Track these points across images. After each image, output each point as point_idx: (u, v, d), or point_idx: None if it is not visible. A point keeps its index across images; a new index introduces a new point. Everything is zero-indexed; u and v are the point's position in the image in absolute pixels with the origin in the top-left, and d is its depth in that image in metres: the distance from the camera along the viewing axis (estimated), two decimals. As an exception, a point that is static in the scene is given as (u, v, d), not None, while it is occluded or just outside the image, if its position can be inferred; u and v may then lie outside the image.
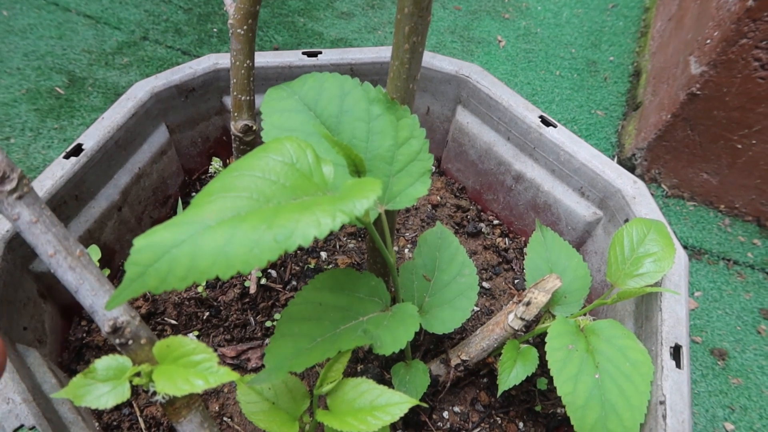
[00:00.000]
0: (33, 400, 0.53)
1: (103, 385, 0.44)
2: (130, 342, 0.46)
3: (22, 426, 0.51)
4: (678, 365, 0.61)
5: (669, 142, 1.31)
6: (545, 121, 0.82)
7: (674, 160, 1.34)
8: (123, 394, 0.44)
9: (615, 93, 1.60)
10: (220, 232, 0.40)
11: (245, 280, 0.80)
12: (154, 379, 0.44)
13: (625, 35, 1.77)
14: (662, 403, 0.59)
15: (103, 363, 0.45)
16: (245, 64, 0.63)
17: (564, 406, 0.75)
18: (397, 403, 0.53)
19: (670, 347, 0.62)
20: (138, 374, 0.45)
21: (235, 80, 0.64)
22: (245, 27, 0.61)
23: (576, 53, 1.69)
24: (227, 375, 0.43)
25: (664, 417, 0.58)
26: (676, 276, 0.68)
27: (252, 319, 0.78)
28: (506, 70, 1.61)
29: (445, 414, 0.73)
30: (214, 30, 1.59)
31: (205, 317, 0.77)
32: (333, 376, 0.55)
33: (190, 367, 0.44)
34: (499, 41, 1.69)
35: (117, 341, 0.46)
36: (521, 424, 0.74)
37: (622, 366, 0.60)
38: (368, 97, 0.60)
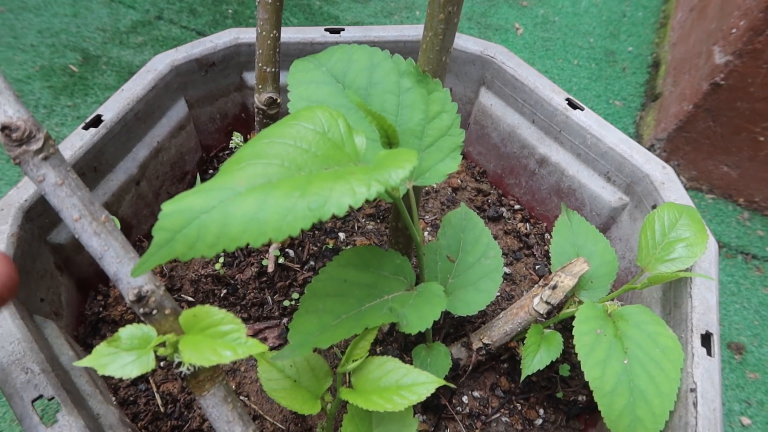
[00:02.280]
0: (52, 370, 0.52)
1: (127, 355, 0.43)
2: (155, 312, 0.45)
3: (41, 396, 0.50)
4: (709, 353, 0.60)
5: (689, 133, 1.29)
6: (572, 104, 0.80)
7: (694, 151, 1.32)
8: (148, 363, 0.42)
9: (633, 83, 1.57)
10: (252, 198, 0.39)
11: (263, 259, 0.79)
12: (180, 348, 0.42)
13: (644, 26, 1.75)
14: (693, 390, 0.57)
15: (128, 332, 0.43)
16: (272, 35, 0.61)
17: (586, 394, 0.74)
18: (424, 382, 0.52)
19: (701, 334, 0.61)
20: (163, 344, 0.44)
21: (260, 51, 0.62)
22: (273, -4, 0.59)
23: (594, 43, 1.67)
24: (256, 346, 0.41)
25: (695, 404, 0.56)
26: (707, 263, 0.66)
27: (269, 298, 0.77)
28: (523, 58, 1.58)
29: (465, 398, 0.72)
30: (229, 11, 1.57)
31: (222, 295, 0.76)
32: (358, 353, 0.54)
33: (217, 337, 0.42)
34: (517, 29, 1.67)
35: (141, 311, 0.45)
36: (542, 411, 0.73)
37: (652, 352, 0.59)
38: (398, 69, 0.58)
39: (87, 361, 0.42)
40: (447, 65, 0.57)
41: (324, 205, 0.39)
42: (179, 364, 0.44)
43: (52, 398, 0.50)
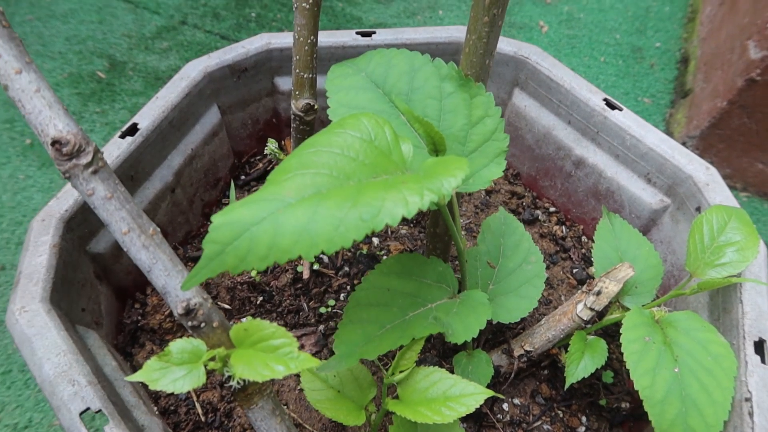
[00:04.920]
0: (98, 382, 0.52)
1: (178, 369, 0.42)
2: (203, 325, 0.44)
3: (88, 409, 0.50)
4: (763, 360, 0.58)
5: (723, 130, 1.26)
6: (610, 104, 0.78)
7: (728, 149, 1.29)
8: (198, 378, 0.42)
9: (662, 80, 1.55)
10: (302, 209, 0.38)
11: (297, 265, 0.78)
12: (232, 363, 0.42)
13: (671, 21, 1.72)
14: (748, 399, 0.56)
15: (178, 346, 0.43)
16: (309, 40, 0.61)
17: (629, 401, 0.72)
18: (472, 393, 0.51)
19: (754, 341, 0.59)
20: (213, 358, 0.43)
21: (297, 57, 0.62)
22: (311, 1, 0.59)
23: (621, 39, 1.64)
24: (308, 361, 0.41)
25: (751, 414, 0.55)
26: (757, 267, 0.64)
27: (305, 304, 0.76)
28: (550, 56, 1.56)
29: (505, 406, 0.71)
30: (252, 14, 1.58)
31: (258, 302, 0.76)
32: (405, 364, 0.53)
33: (269, 351, 0.42)
34: (542, 27, 1.65)
35: (189, 324, 0.44)
36: (584, 419, 0.72)
37: (703, 360, 0.57)
38: (440, 73, 0.57)
39: (138, 376, 0.42)
40: (490, 69, 0.56)
41: (377, 216, 0.38)
42: (229, 378, 0.43)
43: (99, 410, 0.50)
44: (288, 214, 0.38)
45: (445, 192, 0.41)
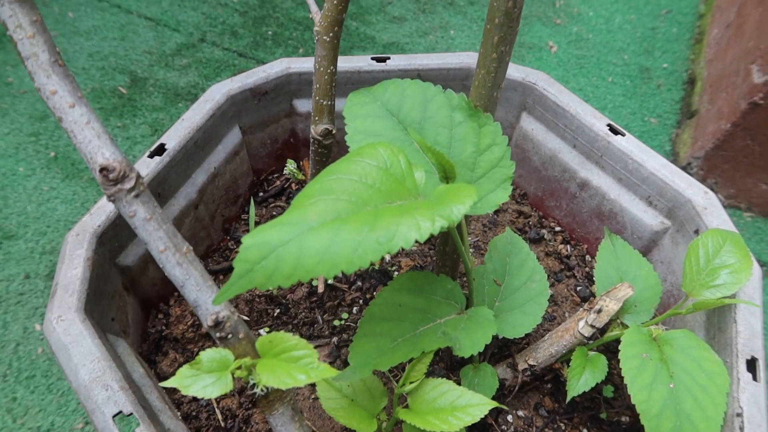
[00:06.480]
0: (129, 387, 0.56)
1: (208, 376, 0.46)
2: (230, 336, 0.48)
3: (120, 412, 0.54)
4: (754, 378, 0.61)
5: (727, 151, 1.29)
6: (613, 130, 0.82)
7: (732, 169, 1.32)
8: (226, 385, 0.46)
9: (669, 100, 1.58)
10: (324, 232, 0.42)
11: (313, 280, 0.82)
12: (258, 372, 0.46)
13: (678, 42, 1.75)
14: (739, 415, 0.59)
15: (208, 355, 0.47)
16: (329, 70, 0.65)
17: (629, 415, 0.76)
18: (478, 404, 0.54)
19: (746, 360, 0.62)
20: (239, 367, 0.47)
21: (318, 85, 0.66)
22: (331, 34, 0.63)
23: (628, 60, 1.68)
24: (327, 371, 0.44)
25: (742, 429, 0.58)
26: (751, 288, 0.67)
27: (319, 317, 0.80)
28: (558, 76, 1.60)
29: (509, 417, 0.74)
30: (269, 33, 1.63)
31: (275, 314, 0.79)
32: (415, 375, 0.56)
33: (291, 362, 0.46)
34: (551, 47, 1.69)
35: (217, 335, 0.48)
36: (585, 431, 0.75)
37: (698, 377, 0.60)
38: (451, 104, 0.61)
39: (172, 382, 0.45)
40: (498, 100, 0.60)
41: (392, 239, 0.42)
42: (253, 385, 0.47)
43: (131, 414, 0.54)
44: (311, 236, 0.42)
45: (454, 218, 0.44)
